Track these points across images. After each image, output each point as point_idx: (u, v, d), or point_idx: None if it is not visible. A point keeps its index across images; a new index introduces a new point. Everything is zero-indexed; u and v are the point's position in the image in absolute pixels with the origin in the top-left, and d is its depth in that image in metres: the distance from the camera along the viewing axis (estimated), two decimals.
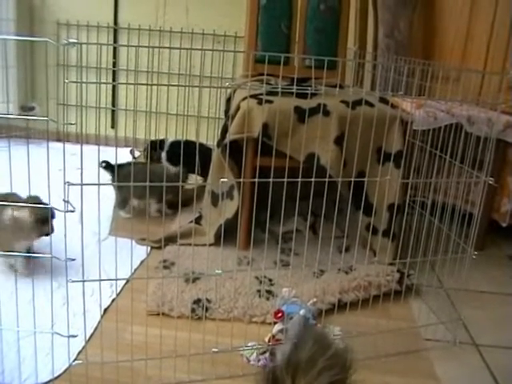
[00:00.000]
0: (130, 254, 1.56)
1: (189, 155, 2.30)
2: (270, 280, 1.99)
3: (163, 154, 3.03)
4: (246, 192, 2.18)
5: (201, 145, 2.92)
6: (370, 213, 2.10)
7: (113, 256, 1.39)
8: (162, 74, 3.65)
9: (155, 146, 3.02)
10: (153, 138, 2.98)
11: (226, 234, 2.02)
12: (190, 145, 2.81)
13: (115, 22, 3.80)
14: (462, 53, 3.07)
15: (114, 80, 3.84)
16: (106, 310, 1.75)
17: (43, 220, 1.82)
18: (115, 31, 3.81)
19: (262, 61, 2.52)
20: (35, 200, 1.77)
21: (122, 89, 3.82)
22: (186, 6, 3.71)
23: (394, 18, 3.21)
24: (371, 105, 2.11)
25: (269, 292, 1.90)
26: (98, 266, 1.40)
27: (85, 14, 3.76)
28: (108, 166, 2.46)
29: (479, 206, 1.73)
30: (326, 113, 2.07)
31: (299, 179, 1.52)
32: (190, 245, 2.19)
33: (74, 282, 1.29)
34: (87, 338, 1.54)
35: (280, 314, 1.63)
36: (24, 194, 1.76)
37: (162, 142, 3.05)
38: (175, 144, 3.03)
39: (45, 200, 1.67)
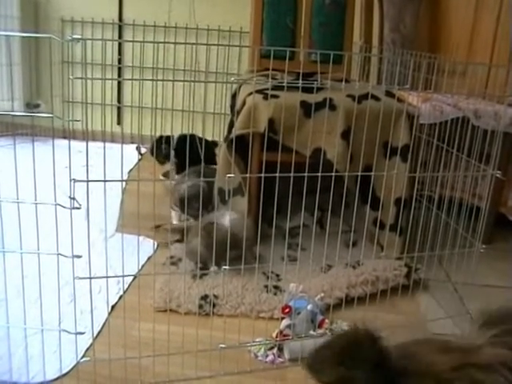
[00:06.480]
0: (137, 251, 1.56)
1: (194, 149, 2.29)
2: (278, 275, 1.98)
3: (172, 152, 2.98)
4: (252, 188, 2.17)
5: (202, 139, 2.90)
6: (377, 207, 2.09)
7: (119, 253, 1.39)
8: (167, 70, 3.64)
9: (161, 143, 3.01)
10: (158, 134, 2.95)
11: None
12: (195, 139, 2.79)
13: (120, 19, 3.80)
14: (468, 46, 3.05)
15: (119, 77, 3.84)
16: (113, 306, 1.75)
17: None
18: (120, 28, 3.81)
19: (267, 56, 2.51)
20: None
21: (127, 85, 3.82)
22: (190, 2, 3.70)
23: (400, 13, 3.19)
24: (377, 99, 2.10)
25: (276, 287, 1.90)
26: (105, 263, 1.40)
27: (89, 11, 3.76)
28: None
29: (486, 200, 1.72)
30: (333, 107, 2.06)
31: (306, 174, 1.52)
32: None
33: (80, 279, 1.29)
34: (95, 335, 1.54)
35: (287, 310, 1.63)
36: None
37: (168, 138, 3.01)
38: (183, 138, 2.99)
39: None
